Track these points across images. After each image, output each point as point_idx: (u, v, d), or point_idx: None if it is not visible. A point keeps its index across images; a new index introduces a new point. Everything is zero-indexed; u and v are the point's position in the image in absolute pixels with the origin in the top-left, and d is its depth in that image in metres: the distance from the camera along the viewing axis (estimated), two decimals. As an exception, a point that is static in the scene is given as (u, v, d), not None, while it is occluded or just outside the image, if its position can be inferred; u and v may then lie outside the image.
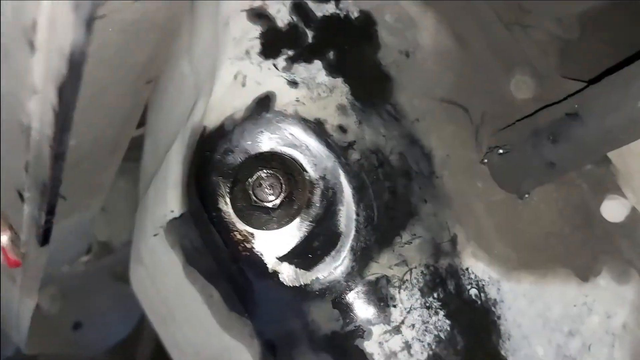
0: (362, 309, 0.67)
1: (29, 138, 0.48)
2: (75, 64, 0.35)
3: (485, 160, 0.73)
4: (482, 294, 0.69)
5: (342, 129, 0.70)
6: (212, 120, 0.71)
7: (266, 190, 0.63)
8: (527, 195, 0.72)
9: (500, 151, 0.71)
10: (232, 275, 0.73)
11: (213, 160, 0.69)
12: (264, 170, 0.64)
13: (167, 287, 0.96)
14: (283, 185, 0.63)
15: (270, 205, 0.63)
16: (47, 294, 1.56)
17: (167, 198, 0.83)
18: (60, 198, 1.01)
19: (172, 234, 0.85)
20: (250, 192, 0.63)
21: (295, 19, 0.72)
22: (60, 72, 0.36)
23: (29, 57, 0.38)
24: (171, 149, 0.84)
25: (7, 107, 0.50)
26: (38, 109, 0.43)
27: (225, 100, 0.71)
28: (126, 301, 1.60)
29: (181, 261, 0.85)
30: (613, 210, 0.76)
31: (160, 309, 1.05)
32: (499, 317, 0.69)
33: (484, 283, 0.70)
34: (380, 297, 0.66)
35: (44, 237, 0.67)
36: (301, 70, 0.71)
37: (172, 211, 0.82)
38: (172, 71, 0.93)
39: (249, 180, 0.64)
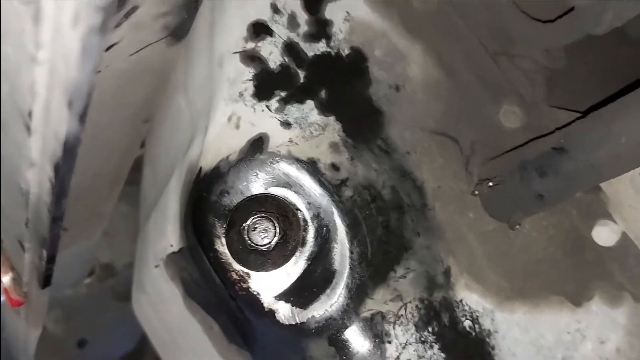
0: (358, 345, 0.68)
1: (27, 200, 0.50)
2: (70, 147, 0.36)
3: (476, 192, 0.74)
4: (476, 325, 0.71)
5: (334, 166, 0.71)
6: (208, 161, 0.72)
7: (261, 233, 0.65)
8: (518, 226, 0.74)
9: (490, 184, 0.73)
10: (231, 310, 0.75)
11: (209, 201, 0.70)
12: (259, 214, 0.65)
13: (169, 316, 0.97)
14: (277, 228, 0.65)
15: (265, 248, 0.65)
16: (51, 317, 1.58)
17: (167, 232, 0.85)
18: (62, 230, 1.03)
19: (171, 267, 0.86)
20: (245, 235, 0.65)
21: (287, 59, 0.74)
22: (56, 153, 0.37)
23: (26, 137, 0.39)
24: (169, 183, 0.86)
25: (8, 167, 0.52)
26: (35, 179, 0.44)
27: (220, 141, 0.73)
28: (129, 318, 1.62)
29: (181, 293, 0.87)
30: (604, 235, 0.78)
31: (163, 336, 1.07)
32: (493, 348, 0.71)
33: (478, 314, 0.71)
34: (376, 333, 0.68)
35: (45, 281, 0.69)
36: (294, 110, 0.72)
37: (172, 245, 0.84)
38: (169, 104, 0.95)
39: (244, 224, 0.65)
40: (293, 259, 0.67)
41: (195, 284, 0.83)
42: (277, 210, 0.66)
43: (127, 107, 0.75)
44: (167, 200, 0.86)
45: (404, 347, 0.68)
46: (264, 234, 0.65)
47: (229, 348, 0.81)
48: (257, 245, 0.65)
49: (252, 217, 0.65)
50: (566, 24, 0.73)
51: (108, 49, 0.53)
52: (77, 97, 0.31)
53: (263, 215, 0.65)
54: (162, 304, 0.97)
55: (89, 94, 0.31)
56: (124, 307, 1.66)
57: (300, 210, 0.69)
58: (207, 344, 0.86)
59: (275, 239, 0.65)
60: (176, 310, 0.90)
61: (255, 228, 0.65)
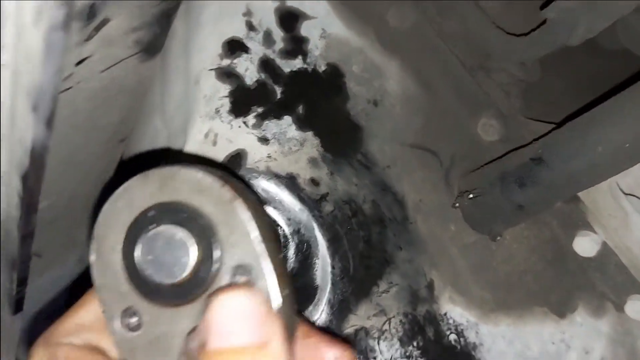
0: (341, 363, 0.67)
1: (-4, 217, 0.48)
2: (38, 156, 0.35)
3: (457, 205, 0.74)
4: (462, 339, 0.70)
5: (314, 181, 0.71)
6: (185, 179, 0.71)
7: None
8: (499, 238, 0.73)
9: (470, 196, 0.73)
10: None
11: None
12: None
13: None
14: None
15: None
16: (26, 349, 1.53)
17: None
18: (35, 256, 1.00)
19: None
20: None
21: (263, 76, 0.73)
22: (23, 163, 0.36)
23: (-6, 148, 0.38)
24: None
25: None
26: (4, 193, 0.43)
27: (197, 158, 0.72)
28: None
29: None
30: (585, 246, 0.77)
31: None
32: (478, 361, 0.70)
33: (462, 327, 0.70)
34: (360, 349, 0.66)
35: (17, 306, 0.67)
36: (271, 126, 0.72)
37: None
38: (145, 125, 0.94)
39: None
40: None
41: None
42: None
43: (103, 127, 0.74)
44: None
45: (388, 363, 0.67)
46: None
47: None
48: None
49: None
50: (540, 37, 0.74)
51: (79, 63, 0.52)
52: (42, 100, 0.30)
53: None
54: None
55: (55, 96, 0.31)
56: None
57: (280, 227, 0.68)
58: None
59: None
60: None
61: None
